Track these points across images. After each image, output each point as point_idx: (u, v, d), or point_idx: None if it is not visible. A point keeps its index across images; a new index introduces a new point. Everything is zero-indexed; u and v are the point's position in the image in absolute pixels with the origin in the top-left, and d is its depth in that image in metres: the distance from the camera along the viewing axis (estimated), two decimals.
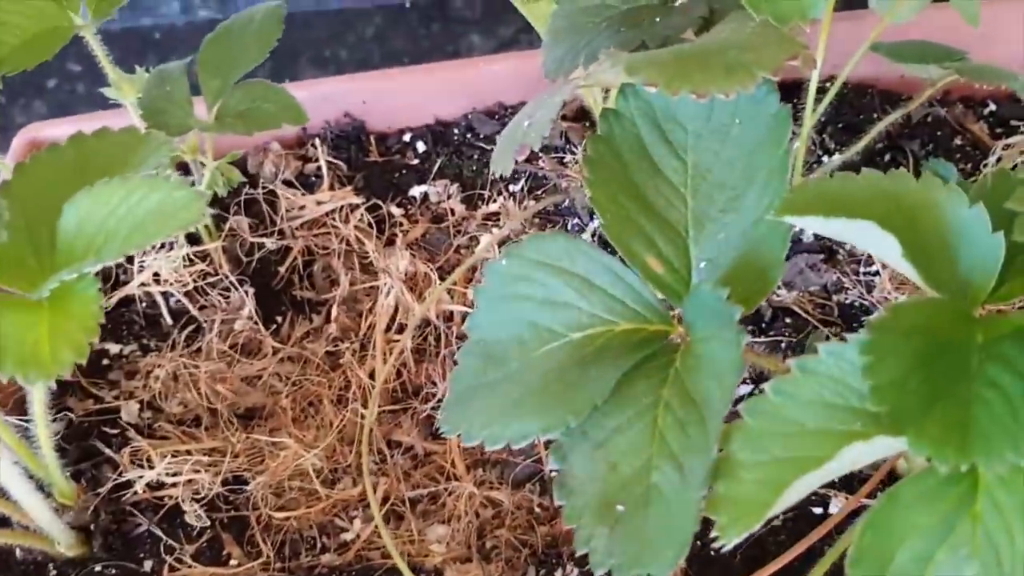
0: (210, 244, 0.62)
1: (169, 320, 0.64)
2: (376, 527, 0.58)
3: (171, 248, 0.62)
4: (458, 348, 0.62)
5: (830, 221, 0.40)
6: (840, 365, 0.39)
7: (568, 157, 0.68)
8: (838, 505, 0.54)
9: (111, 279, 0.65)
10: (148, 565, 0.55)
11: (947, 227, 0.41)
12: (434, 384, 0.63)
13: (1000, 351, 0.37)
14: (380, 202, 0.69)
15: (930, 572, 0.36)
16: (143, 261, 0.62)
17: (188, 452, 0.58)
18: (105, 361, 0.64)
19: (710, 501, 0.40)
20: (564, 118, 0.70)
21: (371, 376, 0.62)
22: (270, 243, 0.67)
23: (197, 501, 0.57)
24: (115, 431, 0.60)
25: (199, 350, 0.63)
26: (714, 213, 0.47)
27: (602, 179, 0.48)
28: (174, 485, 0.57)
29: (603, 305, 0.48)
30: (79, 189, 0.43)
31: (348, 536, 0.58)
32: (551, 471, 0.60)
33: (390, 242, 0.68)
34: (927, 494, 0.37)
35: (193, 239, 0.63)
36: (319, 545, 0.58)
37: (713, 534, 0.38)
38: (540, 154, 0.69)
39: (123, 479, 0.57)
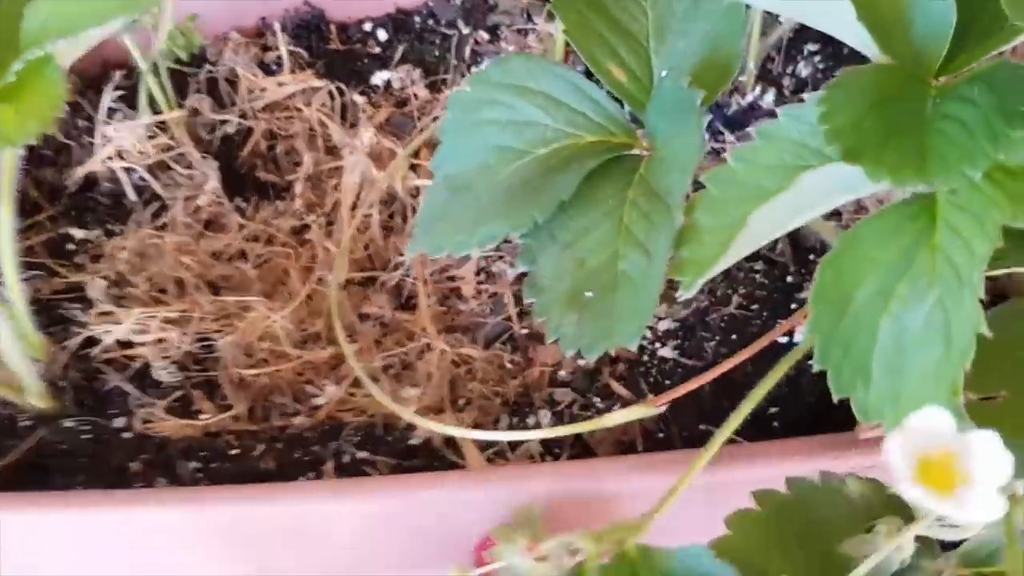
0: (170, 114, 0.63)
1: (133, 197, 0.64)
2: (346, 391, 0.59)
3: (134, 118, 0.62)
4: None
5: None
6: (799, 128, 0.41)
7: (531, 35, 0.70)
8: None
9: (73, 160, 0.66)
10: (119, 421, 0.55)
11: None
12: (401, 255, 0.64)
13: (956, 92, 0.38)
14: (343, 87, 0.70)
15: (892, 305, 0.37)
16: (106, 133, 0.62)
17: (155, 314, 0.58)
18: (70, 246, 0.65)
19: (674, 265, 0.41)
20: None
21: (338, 247, 0.63)
22: (231, 125, 0.67)
23: (166, 359, 0.57)
24: (83, 305, 0.60)
25: (164, 226, 0.63)
26: (674, 24, 0.49)
27: None
28: (143, 344, 0.57)
29: (568, 120, 0.49)
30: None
31: (319, 400, 0.59)
32: (522, 328, 0.61)
33: (353, 126, 0.69)
34: (886, 231, 0.38)
35: (154, 110, 0.64)
36: (290, 408, 0.58)
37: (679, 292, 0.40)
38: (503, 33, 0.70)
39: (92, 335, 0.57)
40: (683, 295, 0.40)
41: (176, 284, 0.61)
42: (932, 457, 0.32)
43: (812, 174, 0.37)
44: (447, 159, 0.52)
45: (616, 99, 0.49)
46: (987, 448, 0.32)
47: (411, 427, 0.57)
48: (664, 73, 0.48)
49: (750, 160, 0.41)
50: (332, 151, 0.68)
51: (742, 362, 0.56)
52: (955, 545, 0.43)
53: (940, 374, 0.35)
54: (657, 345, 0.60)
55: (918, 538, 0.39)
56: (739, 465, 0.48)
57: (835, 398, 0.38)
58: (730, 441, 0.48)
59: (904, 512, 0.39)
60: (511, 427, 0.57)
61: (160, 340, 0.57)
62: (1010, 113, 0.36)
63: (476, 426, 0.57)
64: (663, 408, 0.48)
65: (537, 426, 0.57)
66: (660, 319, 0.61)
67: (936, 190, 0.38)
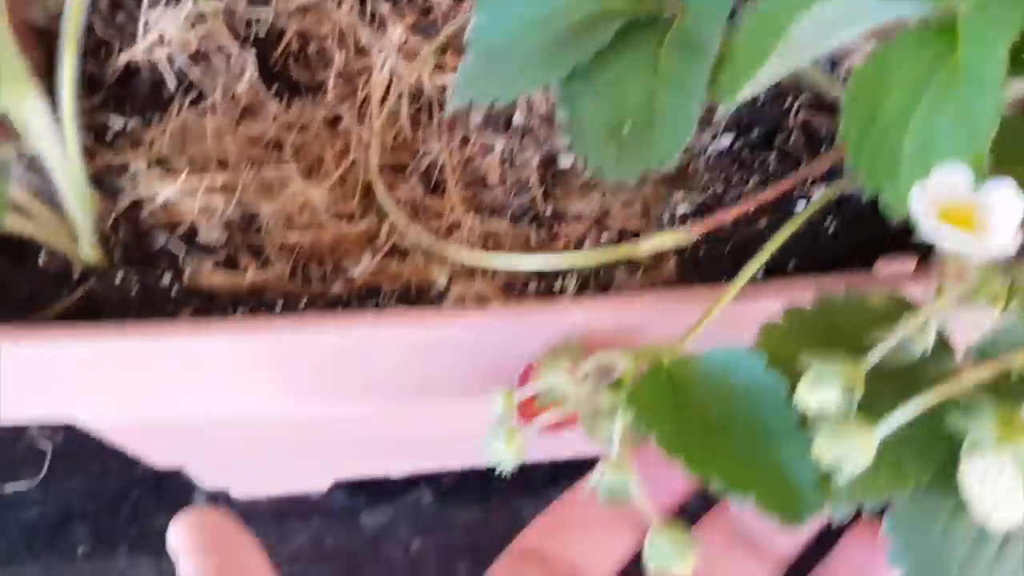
0: (209, 4, 0.66)
1: (172, 85, 0.67)
2: (381, 262, 0.62)
3: (177, 4, 0.65)
4: None
5: None
6: None
7: None
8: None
9: (113, 52, 0.68)
10: (167, 278, 0.58)
11: None
12: (429, 146, 0.67)
13: None
14: None
15: (918, 110, 0.41)
16: (147, 21, 0.65)
17: (201, 181, 0.60)
18: (109, 135, 0.67)
19: (712, 91, 0.44)
20: None
21: (371, 133, 0.66)
22: (264, 26, 0.70)
23: (212, 222, 0.59)
24: (127, 179, 0.63)
25: (203, 111, 0.66)
26: None
27: None
28: (189, 210, 0.60)
29: None
30: None
31: (355, 272, 0.61)
32: (546, 207, 0.64)
33: (381, 26, 0.72)
34: (909, 51, 0.42)
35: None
36: (329, 277, 0.61)
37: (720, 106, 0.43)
38: None
39: (139, 198, 0.59)
40: (725, 106, 0.43)
41: (218, 163, 0.64)
42: (952, 208, 0.35)
43: None
44: (484, 31, 0.55)
45: None
46: (1003, 194, 0.35)
47: (443, 293, 0.60)
48: None
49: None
50: (362, 51, 0.71)
51: (762, 230, 0.59)
52: None
53: (963, 153, 0.38)
54: (676, 226, 0.63)
55: (939, 339, 0.43)
56: (765, 298, 0.51)
57: (866, 196, 0.41)
58: (753, 281, 0.51)
59: None
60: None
61: (206, 206, 0.60)
62: None
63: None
64: (696, 238, 0.51)
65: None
66: (679, 204, 0.64)
67: (958, 10, 0.41)
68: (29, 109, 0.50)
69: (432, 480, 0.83)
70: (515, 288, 0.60)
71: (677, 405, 0.43)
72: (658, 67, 0.49)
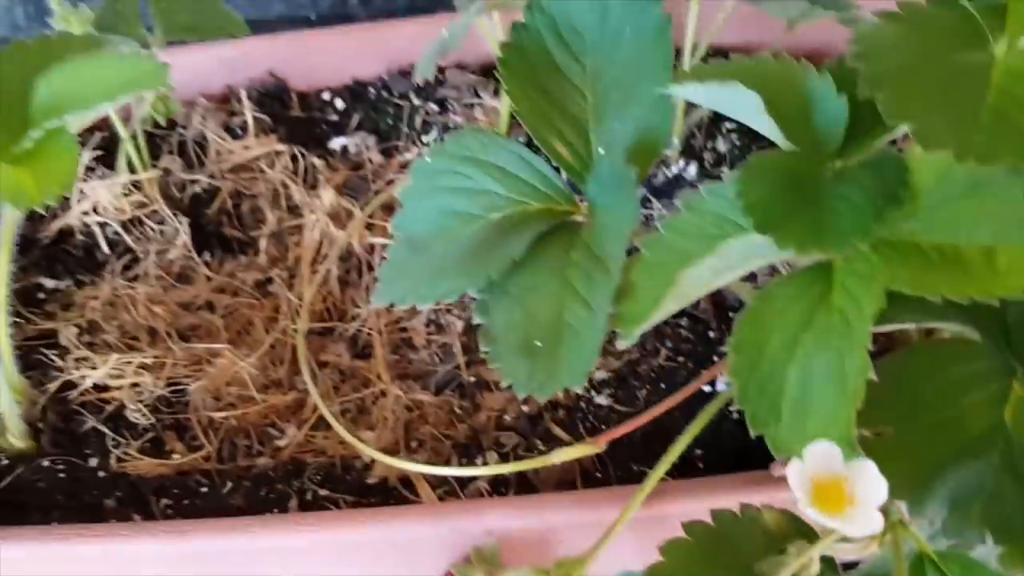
0: (145, 175, 0.69)
1: (106, 250, 0.70)
2: (306, 434, 0.65)
3: (110, 177, 0.68)
4: None
5: (705, 85, 0.49)
6: (718, 202, 0.48)
7: (477, 108, 0.77)
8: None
9: (48, 215, 0.71)
10: (94, 461, 0.60)
11: (801, 94, 0.50)
12: (358, 307, 0.70)
13: (848, 176, 0.46)
14: (303, 151, 0.76)
15: (797, 355, 0.45)
16: (83, 189, 0.68)
17: (130, 361, 0.63)
18: (40, 295, 0.70)
19: (615, 319, 0.48)
20: (472, 72, 0.79)
21: (300, 299, 0.69)
22: (200, 185, 0.73)
23: (140, 402, 0.62)
24: (56, 352, 0.65)
25: (135, 277, 0.69)
26: (610, 107, 0.56)
27: (515, 79, 0.56)
28: (118, 388, 0.63)
29: (517, 189, 0.56)
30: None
31: (282, 442, 0.64)
32: (469, 375, 0.68)
33: (313, 187, 0.75)
34: (792, 292, 0.46)
35: (129, 170, 0.70)
36: (255, 449, 0.64)
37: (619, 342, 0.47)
38: (451, 106, 0.77)
39: (69, 379, 0.62)
40: (624, 344, 0.47)
41: (148, 332, 0.67)
42: (824, 481, 0.40)
43: (731, 242, 0.45)
44: (408, 221, 0.58)
45: (558, 170, 0.57)
46: (867, 474, 0.39)
47: (368, 467, 0.63)
48: (602, 150, 0.55)
49: (679, 229, 0.48)
50: (294, 210, 0.74)
51: (670, 408, 0.63)
52: (854, 566, 0.50)
53: (837, 413, 0.42)
54: (593, 393, 0.66)
55: (823, 560, 0.47)
56: (670, 500, 0.54)
57: (752, 435, 0.45)
58: (660, 480, 0.55)
59: (812, 537, 0.47)
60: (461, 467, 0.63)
61: (135, 384, 0.63)
62: (890, 195, 0.44)
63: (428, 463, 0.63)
64: (602, 448, 0.55)
65: (485, 466, 0.63)
66: (596, 370, 0.68)
67: (832, 258, 0.45)
68: None
69: None
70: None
71: None
72: (568, 277, 0.53)
